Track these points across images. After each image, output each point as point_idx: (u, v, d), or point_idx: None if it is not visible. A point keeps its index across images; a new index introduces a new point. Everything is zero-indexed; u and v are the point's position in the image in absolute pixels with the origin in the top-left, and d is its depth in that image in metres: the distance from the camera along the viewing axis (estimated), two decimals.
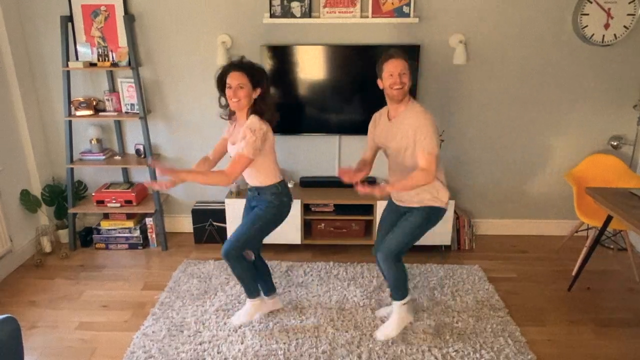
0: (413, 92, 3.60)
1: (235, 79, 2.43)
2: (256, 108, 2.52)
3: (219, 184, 2.45)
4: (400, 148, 2.57)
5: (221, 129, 3.86)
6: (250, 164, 2.49)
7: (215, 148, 2.77)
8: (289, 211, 2.72)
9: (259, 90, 2.51)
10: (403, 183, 2.49)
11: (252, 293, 2.83)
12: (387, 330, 2.75)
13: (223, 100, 2.61)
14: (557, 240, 3.99)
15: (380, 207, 3.60)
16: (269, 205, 2.65)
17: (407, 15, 3.47)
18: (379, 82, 2.62)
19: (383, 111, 2.75)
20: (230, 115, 2.68)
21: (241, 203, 3.63)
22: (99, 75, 3.77)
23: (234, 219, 3.67)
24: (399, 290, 2.72)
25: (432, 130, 2.46)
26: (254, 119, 2.47)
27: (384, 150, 2.75)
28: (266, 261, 3.54)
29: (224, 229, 3.80)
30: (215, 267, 3.54)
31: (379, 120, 2.75)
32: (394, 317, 2.77)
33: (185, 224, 4.17)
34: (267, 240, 3.58)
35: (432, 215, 2.63)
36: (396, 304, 2.76)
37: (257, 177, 2.63)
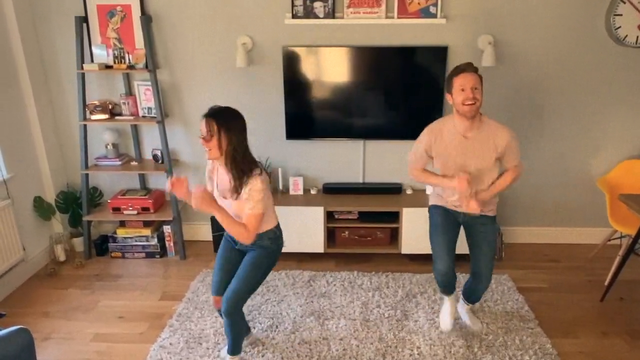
0: (440, 96, 3.81)
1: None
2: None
3: (239, 238, 2.45)
4: (484, 167, 2.75)
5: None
6: None
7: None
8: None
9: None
10: (501, 182, 2.80)
11: (239, 349, 2.78)
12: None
13: None
14: (589, 248, 4.16)
15: (407, 214, 3.80)
16: (266, 252, 2.63)
17: (434, 15, 3.66)
18: (447, 97, 2.72)
19: (447, 126, 2.79)
20: None
21: None
22: (114, 77, 3.98)
23: None
24: None
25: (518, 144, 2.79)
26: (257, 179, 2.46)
27: (443, 164, 2.83)
28: (288, 271, 3.76)
29: None
30: None
31: (442, 135, 2.78)
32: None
33: (204, 231, 4.38)
34: (289, 249, 3.84)
35: None
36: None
37: None
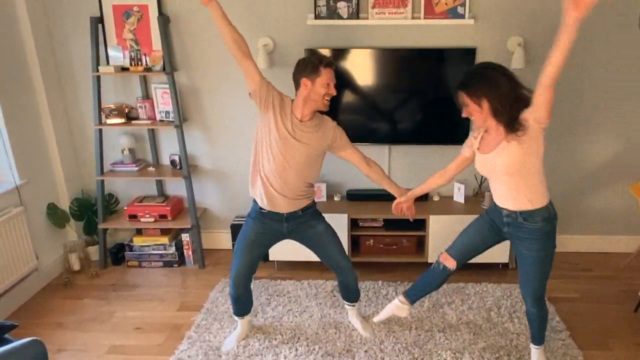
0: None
1: None
2: None
3: None
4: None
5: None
6: None
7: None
8: None
9: None
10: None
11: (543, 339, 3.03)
12: None
13: None
14: (622, 257, 4.29)
15: (434, 222, 3.98)
16: (547, 236, 2.85)
17: (462, 16, 3.83)
18: (303, 80, 2.82)
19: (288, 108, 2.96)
20: None
21: None
22: (131, 80, 4.17)
23: None
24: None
25: None
26: None
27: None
28: (310, 280, 3.93)
29: None
30: (255, 287, 3.88)
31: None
32: None
33: (223, 240, 4.57)
34: (311, 257, 3.92)
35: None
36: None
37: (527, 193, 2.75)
